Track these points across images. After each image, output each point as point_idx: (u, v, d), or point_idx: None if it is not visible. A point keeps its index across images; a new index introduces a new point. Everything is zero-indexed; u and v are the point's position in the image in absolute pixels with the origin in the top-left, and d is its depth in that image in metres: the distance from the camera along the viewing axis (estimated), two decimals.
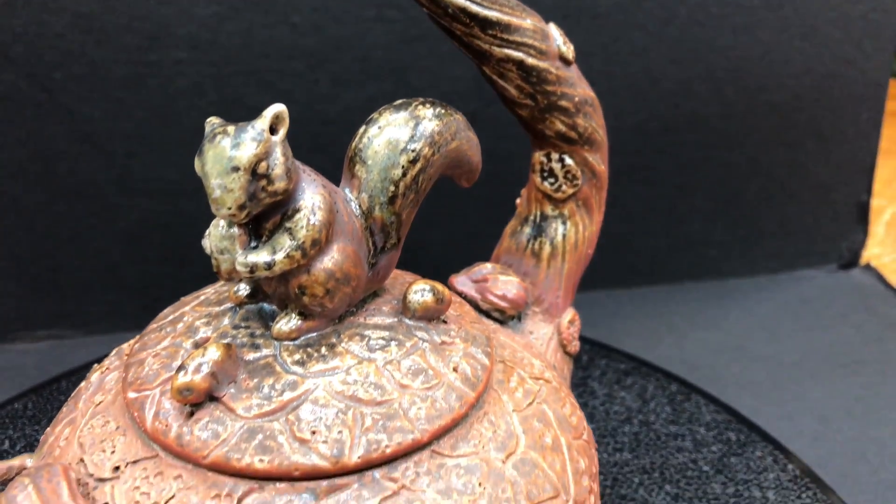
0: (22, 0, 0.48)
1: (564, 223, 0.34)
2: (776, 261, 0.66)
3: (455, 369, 0.27)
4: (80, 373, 0.50)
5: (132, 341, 0.31)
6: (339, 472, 0.24)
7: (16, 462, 0.27)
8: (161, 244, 0.56)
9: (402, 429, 0.25)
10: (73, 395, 0.30)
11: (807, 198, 0.65)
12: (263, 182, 0.23)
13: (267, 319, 0.27)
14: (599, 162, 0.33)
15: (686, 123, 0.60)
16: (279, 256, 0.24)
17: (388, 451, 0.24)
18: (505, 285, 0.33)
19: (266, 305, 0.28)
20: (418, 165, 0.27)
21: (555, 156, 0.33)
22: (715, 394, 0.49)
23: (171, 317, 0.29)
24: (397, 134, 0.27)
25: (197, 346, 0.27)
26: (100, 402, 0.28)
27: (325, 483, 0.24)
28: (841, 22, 0.59)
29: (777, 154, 0.63)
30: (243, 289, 0.28)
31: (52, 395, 0.48)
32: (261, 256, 0.24)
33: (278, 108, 0.24)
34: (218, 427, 0.24)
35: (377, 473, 0.24)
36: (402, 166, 0.27)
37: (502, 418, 0.27)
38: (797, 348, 0.56)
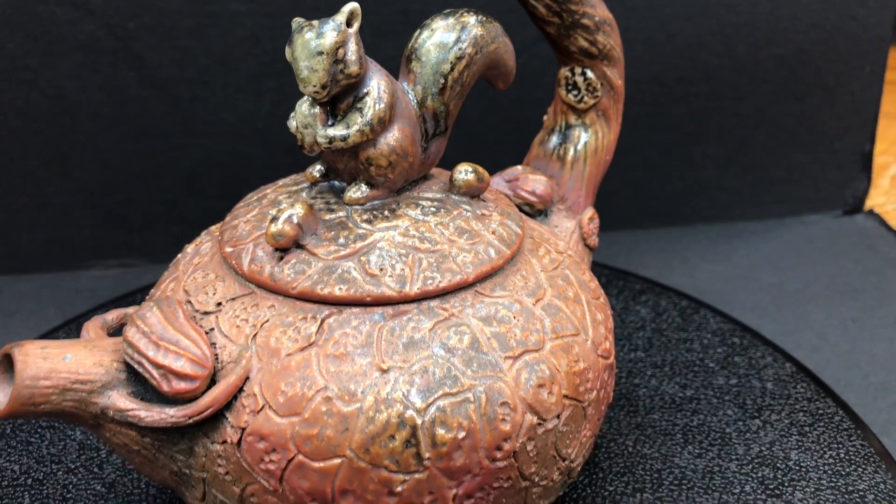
0: None
1: (586, 131, 0.39)
2: (783, 206, 0.71)
3: (493, 233, 0.32)
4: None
5: (219, 224, 0.37)
6: (402, 300, 0.29)
7: (130, 310, 0.33)
8: (219, 182, 0.61)
9: (452, 270, 0.30)
10: (171, 265, 0.36)
11: (812, 146, 0.70)
12: (341, 66, 0.29)
13: (338, 193, 0.33)
14: (617, 77, 0.39)
15: (699, 75, 0.65)
16: (352, 130, 0.30)
17: (441, 286, 0.30)
18: (534, 182, 0.38)
19: (336, 183, 0.33)
20: (464, 62, 0.32)
21: (578, 70, 0.38)
22: None
23: (255, 197, 0.35)
24: (446, 36, 0.32)
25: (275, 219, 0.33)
26: (198, 262, 0.33)
27: (390, 308, 0.29)
28: None
29: (784, 105, 0.67)
30: (317, 170, 0.33)
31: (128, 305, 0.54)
32: (337, 131, 0.30)
33: (353, 5, 0.29)
34: (304, 266, 0.30)
35: (432, 303, 0.30)
36: (451, 62, 0.32)
37: (532, 275, 0.32)
38: (800, 278, 0.61)
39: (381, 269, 0.29)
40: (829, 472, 0.40)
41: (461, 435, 0.28)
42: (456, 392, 0.28)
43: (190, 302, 0.31)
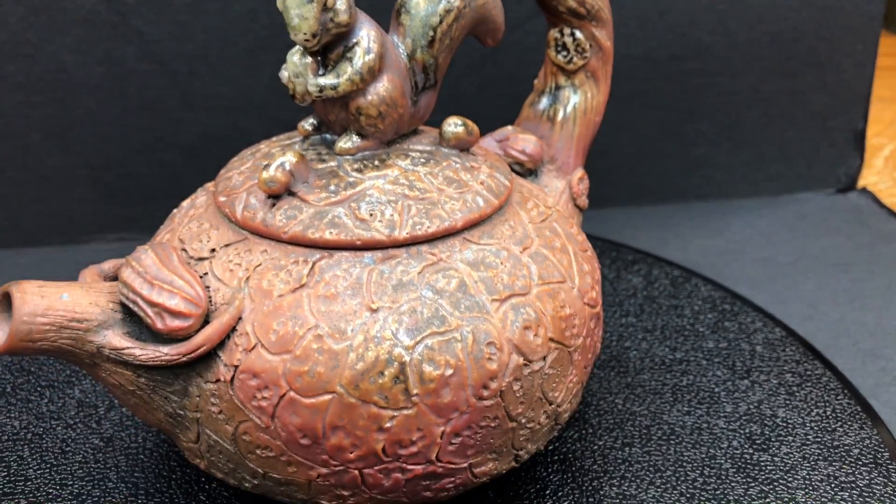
0: None
1: (575, 92, 0.40)
2: (777, 183, 0.71)
3: (482, 183, 0.33)
4: None
5: (214, 181, 0.37)
6: (392, 245, 0.30)
7: (124, 259, 0.34)
8: (219, 156, 0.62)
9: (441, 216, 0.31)
10: (166, 220, 0.36)
11: (805, 125, 0.70)
12: (331, 14, 0.30)
13: (329, 145, 0.34)
14: (605, 38, 0.39)
15: (692, 52, 0.66)
16: (342, 80, 0.31)
17: (430, 231, 0.30)
18: (524, 142, 0.39)
19: (328, 136, 0.34)
20: (452, 14, 0.33)
21: (567, 31, 0.39)
22: None
23: (249, 151, 0.36)
24: None
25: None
26: (193, 214, 0.34)
27: (380, 252, 0.30)
28: None
29: (777, 82, 0.68)
30: (309, 123, 0.34)
31: None
32: (328, 80, 0.31)
33: None
34: (295, 212, 0.30)
35: (421, 248, 0.30)
36: (440, 15, 0.33)
37: (520, 225, 0.33)
38: (792, 252, 0.62)
39: (371, 215, 0.30)
40: (816, 428, 0.41)
41: (448, 372, 0.29)
42: (443, 331, 0.29)
43: (185, 249, 0.32)
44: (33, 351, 0.28)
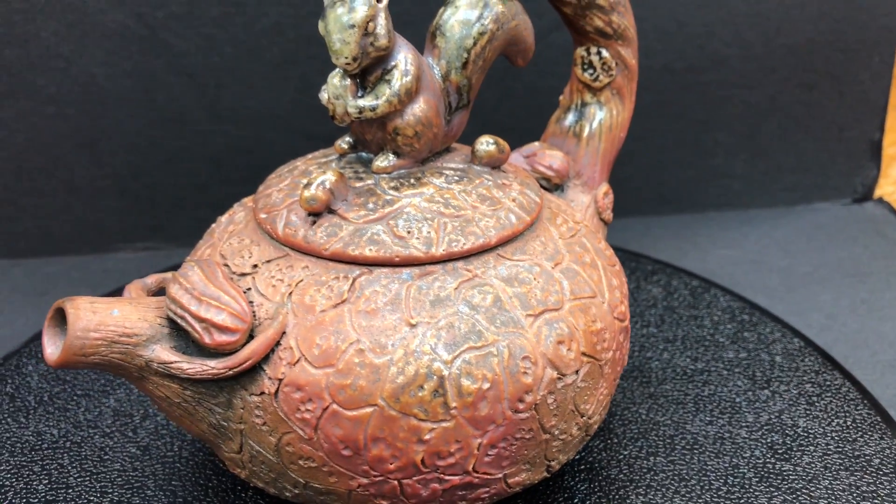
0: None
1: (601, 108, 0.41)
2: (793, 193, 0.72)
3: (513, 200, 0.34)
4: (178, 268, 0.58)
5: (251, 196, 0.38)
6: (429, 261, 0.31)
7: (168, 275, 0.35)
8: (244, 167, 0.63)
9: (475, 233, 0.32)
10: (205, 234, 0.38)
11: (822, 135, 0.71)
12: (371, 39, 0.31)
13: (366, 163, 0.35)
14: (631, 56, 0.40)
15: (709, 64, 0.66)
16: (381, 101, 0.32)
17: (465, 248, 0.31)
18: (551, 158, 0.40)
19: (364, 154, 0.35)
20: (486, 37, 0.34)
21: (593, 49, 0.39)
22: None
23: (287, 169, 0.37)
24: (469, 13, 0.34)
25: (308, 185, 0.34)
26: (233, 230, 0.35)
27: (417, 269, 0.31)
28: None
29: (794, 94, 0.69)
30: (346, 141, 0.35)
31: None
32: (367, 101, 0.32)
33: None
34: (335, 229, 0.31)
35: (457, 264, 0.31)
36: (474, 38, 0.34)
37: (551, 241, 0.34)
38: (810, 262, 0.63)
39: (409, 232, 0.31)
40: (836, 438, 0.41)
41: (486, 386, 0.30)
42: (480, 346, 0.30)
43: (227, 265, 0.33)
44: (85, 365, 0.29)
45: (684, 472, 0.39)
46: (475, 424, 0.30)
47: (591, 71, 0.40)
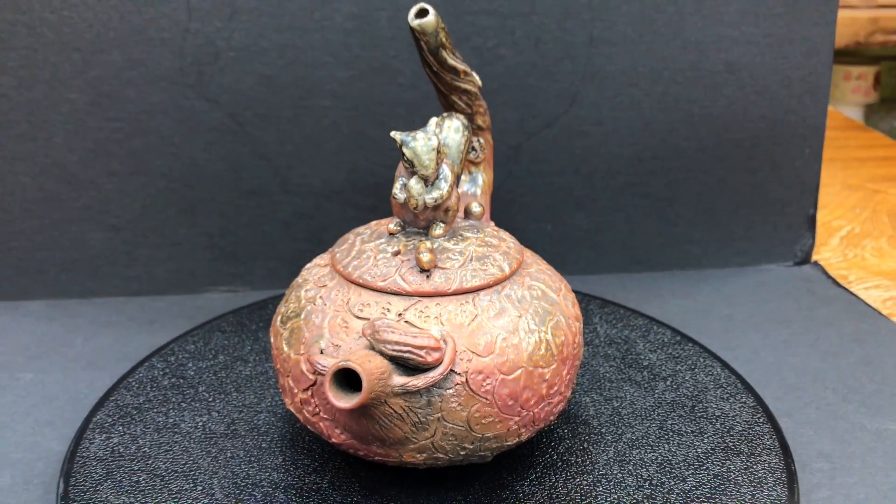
0: (223, 63, 0.76)
1: (481, 174, 0.58)
2: (743, 257, 0.87)
3: (506, 240, 0.52)
4: (254, 306, 0.76)
5: (313, 261, 0.55)
6: (505, 278, 0.49)
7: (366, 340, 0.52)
8: (307, 229, 0.81)
9: (514, 256, 0.51)
10: (293, 287, 0.55)
11: (767, 211, 0.87)
12: (441, 155, 0.49)
13: (411, 236, 0.51)
14: (489, 140, 0.58)
15: (671, 153, 0.84)
16: (444, 192, 0.49)
17: (514, 266, 0.50)
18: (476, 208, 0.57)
19: (409, 229, 0.52)
20: (466, 142, 0.52)
21: (474, 139, 0.57)
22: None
23: (352, 254, 0.52)
24: (456, 131, 0.52)
25: (396, 254, 0.48)
26: (324, 284, 0.52)
27: (504, 283, 0.49)
28: (786, 82, 0.82)
29: (742, 177, 0.85)
30: (395, 223, 0.52)
31: (240, 317, 0.74)
32: (435, 194, 0.49)
33: (433, 120, 0.50)
34: (445, 275, 0.46)
35: (515, 276, 0.50)
36: (462, 144, 0.52)
37: (535, 277, 0.51)
38: (748, 311, 0.78)
39: (490, 264, 0.49)
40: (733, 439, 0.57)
41: (561, 339, 0.49)
42: (553, 315, 0.49)
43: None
44: (369, 402, 0.40)
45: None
46: (563, 363, 0.48)
47: (474, 153, 0.58)
